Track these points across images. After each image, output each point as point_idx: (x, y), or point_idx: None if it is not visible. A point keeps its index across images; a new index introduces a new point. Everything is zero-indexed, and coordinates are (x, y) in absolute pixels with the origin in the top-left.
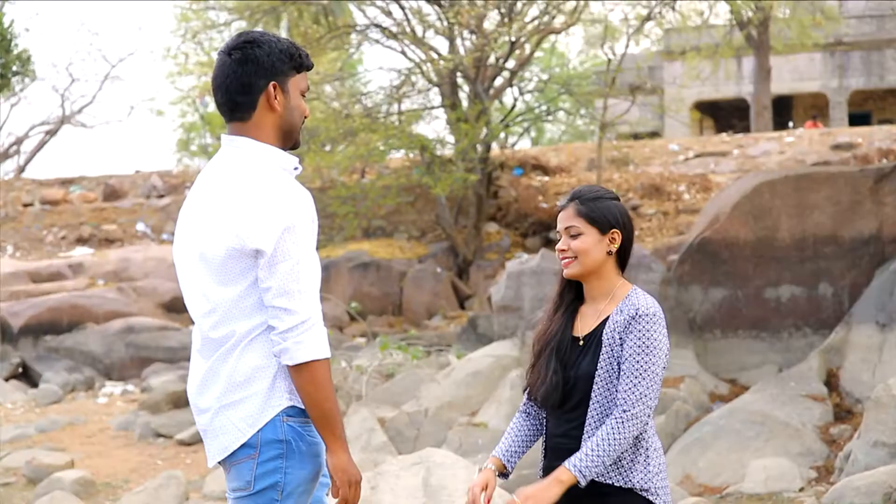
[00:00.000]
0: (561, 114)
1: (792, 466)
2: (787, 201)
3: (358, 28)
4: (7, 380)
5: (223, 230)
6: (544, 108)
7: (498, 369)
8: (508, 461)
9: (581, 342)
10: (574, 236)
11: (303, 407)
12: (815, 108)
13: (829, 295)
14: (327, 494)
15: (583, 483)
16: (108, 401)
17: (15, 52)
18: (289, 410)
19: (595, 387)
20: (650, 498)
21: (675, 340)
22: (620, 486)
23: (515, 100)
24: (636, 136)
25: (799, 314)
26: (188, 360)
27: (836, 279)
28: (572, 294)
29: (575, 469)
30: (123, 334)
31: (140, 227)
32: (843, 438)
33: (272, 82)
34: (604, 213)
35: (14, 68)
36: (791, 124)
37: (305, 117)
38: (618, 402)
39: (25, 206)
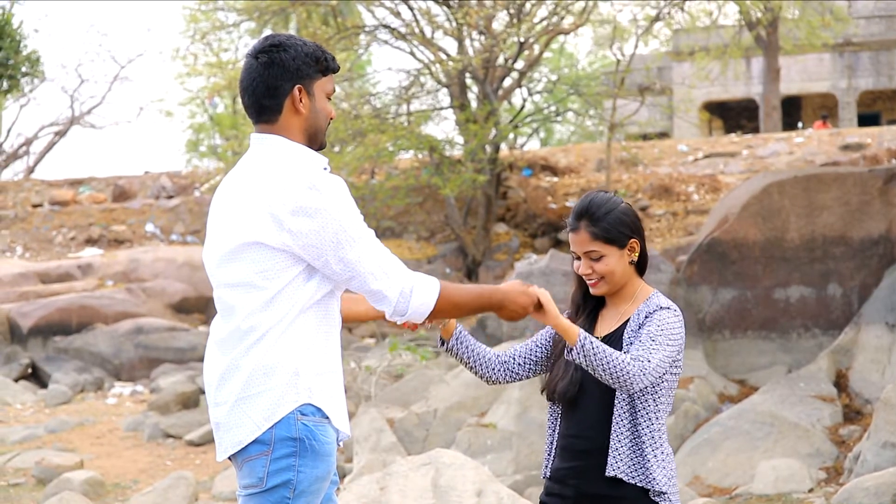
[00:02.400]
0: (570, 114)
1: (801, 467)
2: (797, 202)
3: (367, 29)
4: (16, 380)
5: (256, 220)
6: (553, 108)
7: None
8: (458, 338)
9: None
10: (596, 259)
11: (320, 405)
12: (825, 108)
13: (838, 296)
14: (336, 493)
15: (573, 354)
16: (117, 401)
17: (24, 53)
18: (305, 408)
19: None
20: (663, 502)
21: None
22: (641, 487)
23: (524, 100)
24: (645, 137)
25: (808, 315)
26: (197, 360)
27: (845, 280)
28: (595, 301)
29: (583, 337)
30: (132, 335)
31: (149, 227)
32: (853, 439)
33: (298, 86)
34: (618, 227)
35: (23, 69)
36: (800, 125)
37: (332, 119)
38: (630, 352)
39: (35, 206)
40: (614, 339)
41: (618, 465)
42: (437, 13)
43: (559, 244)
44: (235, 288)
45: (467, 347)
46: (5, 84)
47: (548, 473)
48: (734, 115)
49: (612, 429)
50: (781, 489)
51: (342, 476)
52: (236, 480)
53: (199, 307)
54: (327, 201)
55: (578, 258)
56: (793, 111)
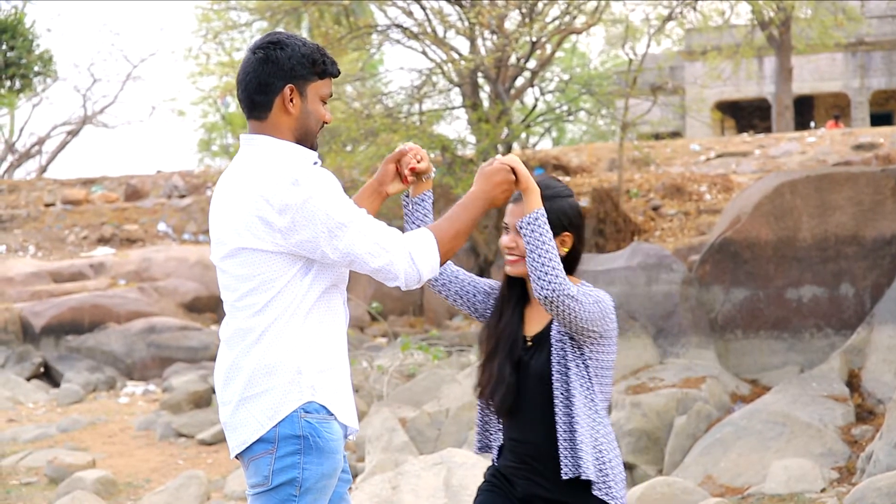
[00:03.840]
0: (582, 114)
1: (813, 467)
2: (809, 201)
3: (379, 28)
4: (29, 379)
5: (247, 225)
6: (565, 108)
7: None
8: (417, 201)
9: (530, 343)
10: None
11: (324, 403)
12: (837, 108)
13: (850, 295)
14: (349, 491)
15: (523, 221)
16: (129, 401)
17: (37, 52)
18: (309, 406)
19: (555, 388)
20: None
21: (696, 341)
22: (593, 491)
23: (536, 100)
24: (657, 137)
25: (820, 314)
26: (209, 359)
27: (857, 279)
28: (519, 291)
29: (542, 213)
30: (145, 334)
31: (161, 227)
32: (865, 439)
33: (290, 85)
34: (557, 213)
35: (36, 68)
36: (812, 124)
37: (325, 122)
38: None
39: (47, 206)
40: (543, 340)
41: (574, 465)
42: (449, 13)
43: None
44: (235, 290)
45: (420, 216)
46: (18, 83)
47: (494, 471)
48: (746, 115)
49: (557, 430)
50: (794, 489)
51: (354, 475)
52: (245, 479)
53: (211, 306)
54: (310, 194)
55: (508, 231)
56: (805, 111)
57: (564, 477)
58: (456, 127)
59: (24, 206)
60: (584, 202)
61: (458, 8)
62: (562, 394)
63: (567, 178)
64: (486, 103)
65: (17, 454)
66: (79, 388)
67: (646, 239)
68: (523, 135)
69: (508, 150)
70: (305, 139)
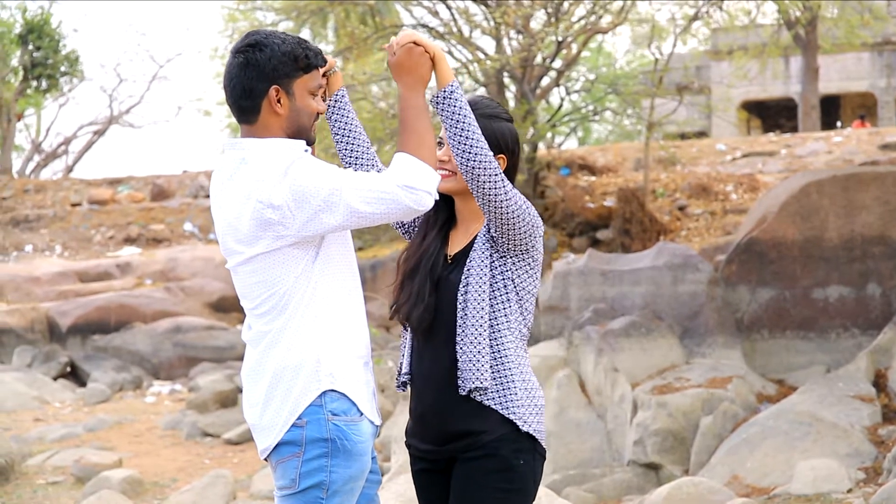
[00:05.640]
0: (608, 113)
1: (840, 467)
2: (835, 201)
3: (405, 28)
4: (55, 379)
5: (249, 232)
6: (591, 107)
7: (545, 369)
8: (337, 100)
9: (451, 261)
10: None
11: (344, 391)
12: (863, 107)
13: (877, 295)
14: (377, 493)
15: (439, 96)
16: (155, 400)
17: (63, 52)
18: (330, 399)
19: (459, 296)
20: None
21: (722, 341)
22: (505, 421)
23: (562, 100)
24: (683, 136)
25: (847, 314)
26: (235, 359)
27: (884, 279)
28: (446, 213)
29: (457, 86)
30: (171, 334)
31: (187, 226)
32: (892, 439)
33: (274, 87)
34: (495, 134)
35: (62, 69)
36: (839, 124)
37: (320, 114)
38: None
39: (73, 205)
40: (462, 257)
41: (473, 377)
42: (475, 12)
43: (597, 243)
44: (250, 296)
45: (345, 114)
46: (44, 83)
47: (401, 383)
48: (773, 115)
49: (466, 340)
50: (820, 489)
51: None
52: (273, 480)
53: (236, 306)
54: (294, 178)
55: (441, 146)
56: (831, 110)
57: (462, 392)
58: None
59: (50, 206)
60: (609, 202)
61: (483, 8)
62: (474, 312)
63: (593, 178)
64: (511, 103)
65: (44, 453)
66: (105, 387)
67: (672, 239)
68: (549, 134)
69: (534, 149)
70: (299, 135)
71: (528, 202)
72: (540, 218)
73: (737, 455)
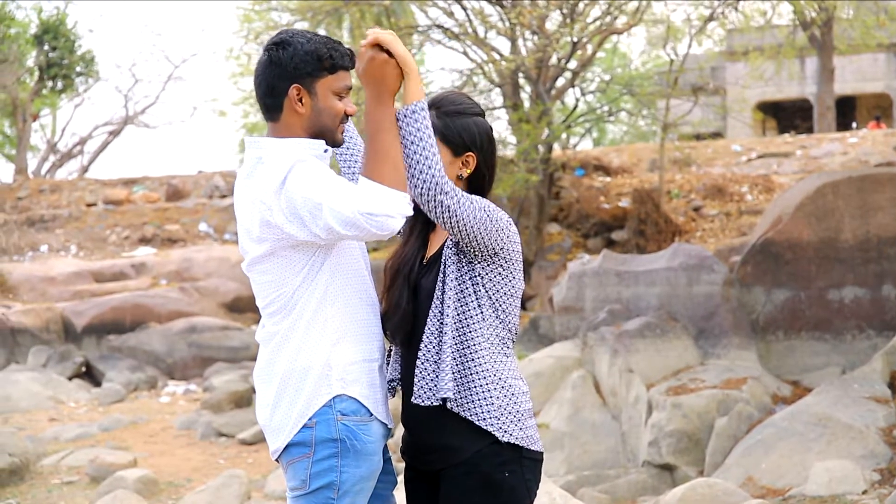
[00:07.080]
0: (623, 114)
1: (855, 469)
2: (851, 202)
3: (420, 29)
4: (70, 379)
5: (256, 225)
6: (606, 108)
7: (559, 370)
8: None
9: (425, 264)
10: None
11: (355, 395)
12: (879, 108)
13: (892, 296)
14: (392, 493)
15: (402, 112)
16: (170, 400)
17: (79, 52)
18: (340, 401)
19: (433, 305)
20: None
21: (737, 342)
22: (489, 438)
23: (577, 100)
24: (698, 137)
25: (862, 316)
26: (250, 359)
27: None
28: (424, 216)
29: (423, 107)
30: (186, 334)
31: (202, 227)
32: None
33: (295, 85)
34: (460, 131)
35: (78, 69)
36: (854, 125)
37: (349, 115)
38: None
39: (89, 205)
40: (434, 261)
41: (427, 388)
42: (490, 13)
43: (612, 244)
44: (261, 296)
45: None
46: (60, 84)
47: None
48: (788, 115)
49: (423, 350)
50: (835, 491)
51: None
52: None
53: (251, 306)
54: (289, 191)
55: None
56: (847, 111)
57: (415, 401)
58: (497, 127)
59: (65, 206)
60: (624, 202)
61: (499, 8)
62: (440, 312)
63: (608, 179)
64: (526, 104)
65: (59, 453)
66: (120, 387)
67: (687, 240)
68: (564, 135)
69: (549, 150)
70: (321, 136)
71: (491, 206)
72: (507, 216)
73: (752, 456)
